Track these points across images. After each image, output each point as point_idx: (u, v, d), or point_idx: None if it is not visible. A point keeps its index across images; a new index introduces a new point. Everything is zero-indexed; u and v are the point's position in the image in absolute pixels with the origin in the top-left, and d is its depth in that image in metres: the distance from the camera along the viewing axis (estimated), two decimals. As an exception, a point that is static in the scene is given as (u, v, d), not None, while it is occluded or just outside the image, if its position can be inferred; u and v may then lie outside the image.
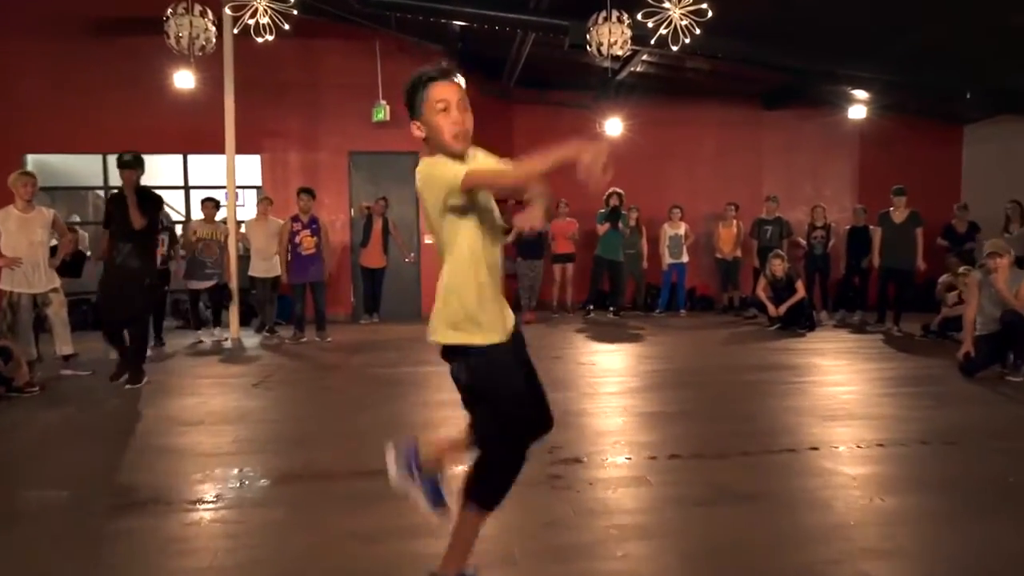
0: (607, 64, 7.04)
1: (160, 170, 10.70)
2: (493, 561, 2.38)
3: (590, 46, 6.78)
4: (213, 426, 4.23)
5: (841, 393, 4.97)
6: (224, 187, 8.81)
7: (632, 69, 10.34)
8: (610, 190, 9.94)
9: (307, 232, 7.93)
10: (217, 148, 8.95)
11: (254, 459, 3.56)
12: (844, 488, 3.06)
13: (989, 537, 2.55)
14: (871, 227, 8.82)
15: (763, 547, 2.49)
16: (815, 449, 3.61)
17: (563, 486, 3.10)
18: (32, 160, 9.76)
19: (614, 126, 11.11)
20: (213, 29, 6.26)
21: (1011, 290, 5.27)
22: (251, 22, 6.29)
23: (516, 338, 2.09)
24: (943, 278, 8.55)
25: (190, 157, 10.22)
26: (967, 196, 10.74)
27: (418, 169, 1.99)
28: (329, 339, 7.93)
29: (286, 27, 6.43)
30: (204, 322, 8.52)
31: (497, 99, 11.36)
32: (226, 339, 7.88)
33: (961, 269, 7.82)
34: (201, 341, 7.84)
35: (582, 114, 11.40)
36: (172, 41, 6.13)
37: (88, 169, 10.01)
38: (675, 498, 2.98)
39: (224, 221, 8.30)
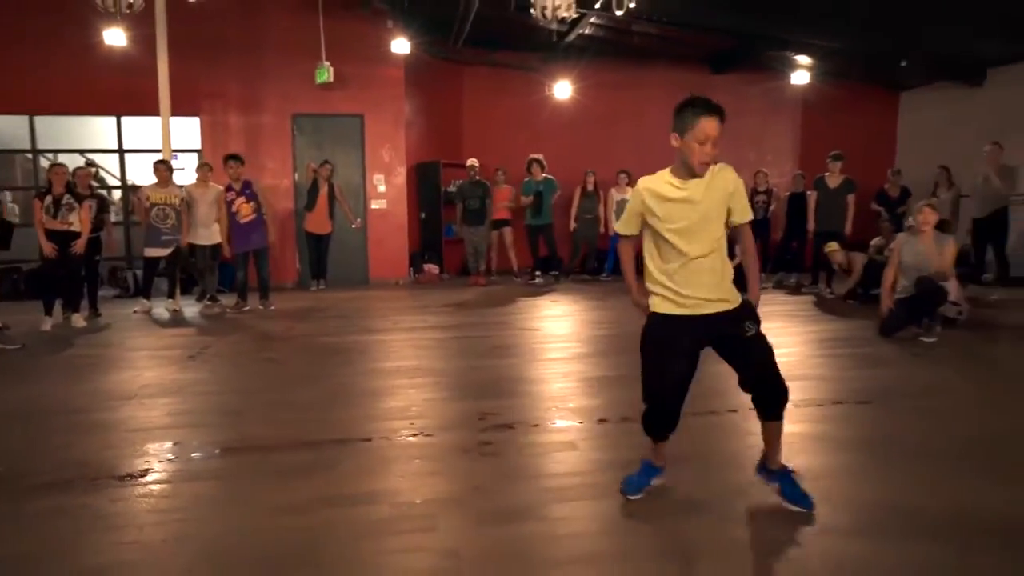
0: (553, 27, 6.98)
1: (94, 132, 10.31)
2: (415, 528, 2.45)
3: (534, 8, 6.71)
4: (147, 399, 4.18)
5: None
6: (160, 151, 8.52)
7: (580, 32, 10.29)
8: (529, 157, 9.99)
9: (242, 199, 7.70)
10: (153, 110, 8.63)
11: (188, 433, 3.55)
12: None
13: (897, 489, 2.72)
14: (808, 192, 9.05)
15: (686, 503, 2.62)
16: (734, 412, 3.77)
17: (491, 452, 3.18)
18: (-48, 122, 9.31)
19: (563, 89, 11.09)
20: (140, -14, 5.96)
21: (936, 250, 5.51)
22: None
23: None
24: (874, 241, 8.86)
25: (125, 119, 9.82)
26: (902, 161, 11.09)
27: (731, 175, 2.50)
28: (273, 307, 7.85)
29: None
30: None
31: (446, 60, 11.17)
32: (175, 309, 7.70)
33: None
34: (135, 311, 7.63)
35: (531, 77, 11.33)
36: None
37: (13, 131, 9.54)
38: (604, 461, 3.08)
39: (180, 185, 7.99)
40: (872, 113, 11.52)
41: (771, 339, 2.51)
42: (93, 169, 8.55)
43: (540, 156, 10.04)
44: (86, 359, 5.40)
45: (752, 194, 9.95)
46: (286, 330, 6.69)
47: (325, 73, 9.41)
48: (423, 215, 11.19)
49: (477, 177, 10.04)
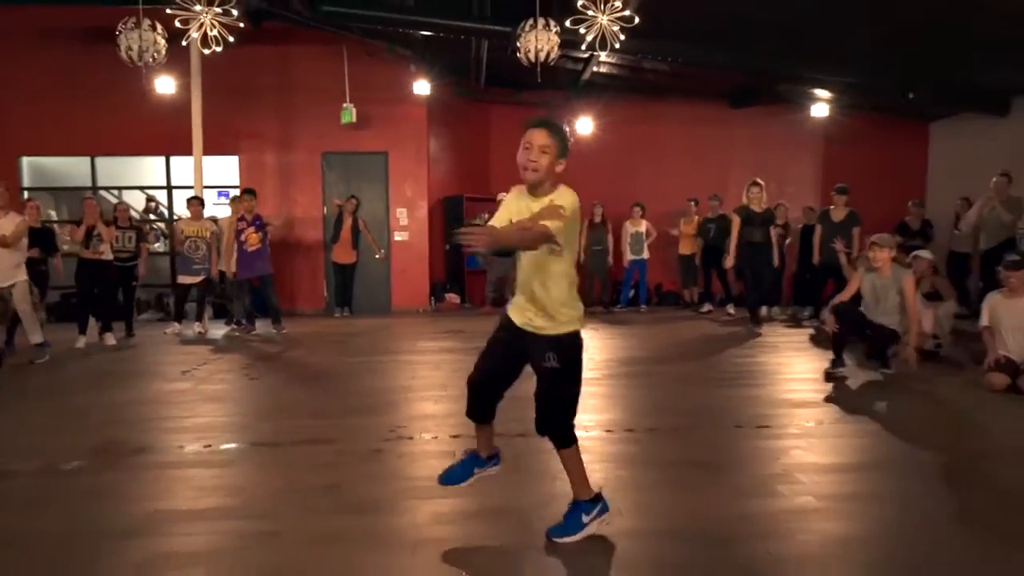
0: (539, 69, 7.33)
1: (147, 170, 11.34)
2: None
3: (519, 52, 7.10)
4: (136, 405, 4.72)
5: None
6: (209, 187, 9.38)
7: (595, 70, 10.62)
8: None
9: (251, 229, 8.32)
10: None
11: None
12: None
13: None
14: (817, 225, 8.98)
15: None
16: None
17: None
18: (27, 162, 10.50)
19: (584, 125, 11.42)
20: (163, 42, 6.72)
21: (895, 286, 5.47)
22: (195, 35, 6.72)
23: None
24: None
25: (173, 159, 10.77)
26: (933, 193, 10.78)
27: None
28: (284, 331, 8.38)
29: (231, 39, 6.87)
30: (186, 315, 8.97)
31: (474, 100, 11.72)
32: (200, 331, 8.36)
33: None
34: (165, 333, 8.32)
35: (555, 114, 11.68)
36: (123, 54, 6.61)
37: (76, 170, 10.65)
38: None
39: (212, 219, 8.76)
40: (899, 144, 11.27)
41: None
42: (154, 203, 9.36)
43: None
44: (97, 371, 6.05)
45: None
46: (276, 352, 7.21)
47: (349, 114, 10.08)
48: (448, 247, 11.66)
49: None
